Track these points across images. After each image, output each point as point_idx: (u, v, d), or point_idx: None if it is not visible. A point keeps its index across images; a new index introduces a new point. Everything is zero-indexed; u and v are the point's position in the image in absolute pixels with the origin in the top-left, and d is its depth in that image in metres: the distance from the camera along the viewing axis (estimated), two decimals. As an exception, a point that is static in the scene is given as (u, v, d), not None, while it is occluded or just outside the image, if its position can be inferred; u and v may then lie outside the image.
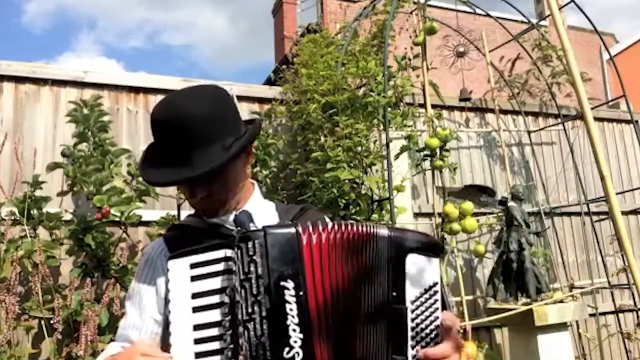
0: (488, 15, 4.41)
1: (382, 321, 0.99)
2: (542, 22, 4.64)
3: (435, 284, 1.03)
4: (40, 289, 2.44)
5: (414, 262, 1.02)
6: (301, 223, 1.00)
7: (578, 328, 4.03)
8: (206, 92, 1.12)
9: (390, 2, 3.25)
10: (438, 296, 1.03)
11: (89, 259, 2.71)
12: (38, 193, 2.64)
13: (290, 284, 0.94)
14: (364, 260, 0.99)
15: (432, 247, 1.04)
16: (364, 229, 1.01)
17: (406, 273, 1.01)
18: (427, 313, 1.02)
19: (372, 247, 1.00)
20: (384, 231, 1.02)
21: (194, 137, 1.04)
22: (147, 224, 2.91)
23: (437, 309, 1.03)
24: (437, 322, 1.02)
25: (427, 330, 1.02)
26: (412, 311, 1.00)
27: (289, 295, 0.93)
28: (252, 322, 0.92)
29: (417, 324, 1.01)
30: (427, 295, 1.02)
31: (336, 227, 0.99)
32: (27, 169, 2.75)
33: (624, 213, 4.25)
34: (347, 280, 0.98)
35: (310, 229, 0.98)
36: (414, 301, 1.01)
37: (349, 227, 1.00)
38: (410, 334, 1.00)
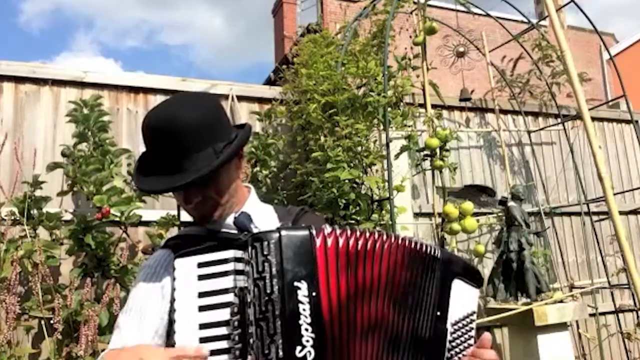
0: (488, 15, 4.41)
1: (421, 336, 1.03)
2: (542, 22, 4.63)
3: (473, 313, 1.09)
4: (40, 289, 2.44)
5: (459, 287, 1.08)
6: (306, 225, 1.01)
7: (578, 328, 4.04)
8: (196, 100, 1.14)
9: (390, 2, 3.25)
10: (474, 325, 1.09)
11: (89, 259, 2.71)
12: (38, 193, 2.64)
13: (303, 285, 0.94)
14: (403, 272, 1.02)
15: (476, 278, 1.12)
16: (408, 242, 1.04)
17: (451, 296, 1.06)
18: (462, 338, 1.07)
19: (417, 262, 1.04)
20: (437, 252, 1.07)
21: (185, 144, 1.06)
22: (147, 224, 2.91)
23: (472, 337, 1.08)
24: (471, 350, 1.08)
25: (461, 355, 1.07)
26: (451, 333, 1.06)
27: (302, 295, 0.94)
28: (265, 321, 0.92)
29: (454, 347, 1.06)
30: (465, 322, 1.08)
31: (358, 233, 1.00)
32: (27, 169, 2.75)
33: (624, 213, 4.26)
34: (368, 286, 0.99)
35: (326, 232, 0.98)
36: (454, 324, 1.06)
37: (382, 235, 1.02)
38: (446, 354, 1.05)
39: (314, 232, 0.97)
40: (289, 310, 0.93)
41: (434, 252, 1.06)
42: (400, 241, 1.03)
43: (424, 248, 1.05)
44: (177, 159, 1.06)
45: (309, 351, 0.92)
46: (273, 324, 0.92)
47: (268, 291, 0.93)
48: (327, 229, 0.99)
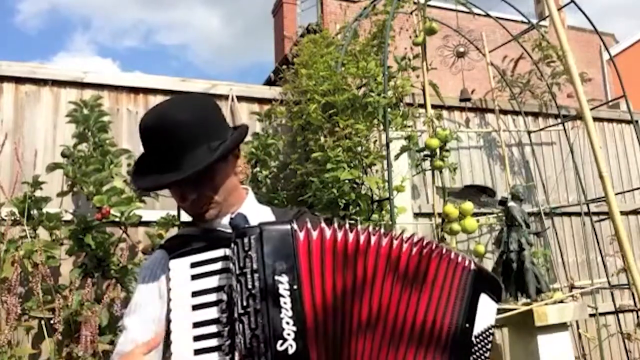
0: (488, 15, 4.41)
1: (447, 346, 1.04)
2: (542, 22, 4.64)
3: (492, 327, 1.12)
4: (41, 289, 2.44)
5: (485, 301, 1.10)
6: (300, 223, 1.01)
7: (578, 328, 4.03)
8: (192, 100, 1.15)
9: (390, 2, 3.25)
10: (491, 338, 1.11)
11: (89, 259, 2.71)
12: (38, 193, 2.64)
13: (284, 279, 0.95)
14: (417, 276, 1.04)
15: (499, 292, 1.15)
16: (418, 242, 1.05)
17: (478, 309, 1.09)
18: (481, 351, 1.10)
19: (436, 268, 1.05)
20: (466, 262, 1.09)
21: (180, 142, 1.06)
22: (147, 224, 2.91)
23: (489, 350, 1.10)
24: None
25: None
26: (474, 345, 1.08)
27: (283, 289, 0.94)
28: (246, 316, 0.93)
29: (475, 358, 1.09)
30: (485, 335, 1.10)
31: (347, 228, 1.01)
32: (27, 169, 2.75)
33: (624, 213, 4.25)
34: (360, 282, 0.99)
35: (309, 226, 0.99)
36: (477, 337, 1.09)
37: (376, 232, 1.03)
38: None
39: (295, 226, 0.98)
40: (270, 304, 0.93)
41: (468, 264, 1.09)
42: (416, 241, 1.04)
43: (452, 255, 1.07)
44: (172, 157, 1.07)
45: (291, 344, 0.93)
46: (255, 319, 0.93)
47: (249, 286, 0.94)
48: (313, 225, 1.00)
